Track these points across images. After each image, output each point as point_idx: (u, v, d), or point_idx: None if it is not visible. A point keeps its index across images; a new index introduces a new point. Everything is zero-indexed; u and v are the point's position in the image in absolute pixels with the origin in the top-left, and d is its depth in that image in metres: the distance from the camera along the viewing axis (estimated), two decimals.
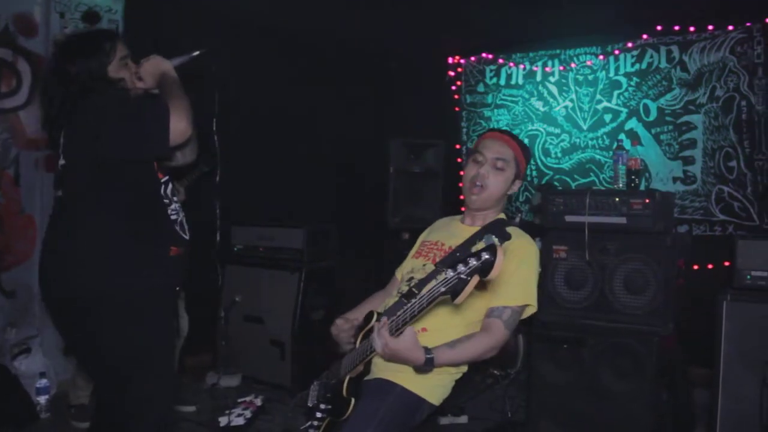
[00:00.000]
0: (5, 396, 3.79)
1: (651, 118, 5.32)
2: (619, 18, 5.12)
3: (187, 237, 2.49)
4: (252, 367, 4.77)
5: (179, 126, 2.26)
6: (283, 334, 4.63)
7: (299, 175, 5.70)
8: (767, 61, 4.78)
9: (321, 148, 5.83)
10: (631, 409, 3.23)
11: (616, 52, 5.47)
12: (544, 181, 5.82)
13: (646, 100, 5.34)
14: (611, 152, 5.33)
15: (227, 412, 3.89)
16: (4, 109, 4.09)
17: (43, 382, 3.95)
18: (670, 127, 5.23)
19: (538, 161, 5.91)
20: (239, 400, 4.04)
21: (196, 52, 2.63)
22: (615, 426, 3.27)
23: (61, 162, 2.37)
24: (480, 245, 2.29)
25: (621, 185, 3.61)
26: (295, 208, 5.49)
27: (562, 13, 5.04)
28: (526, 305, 2.30)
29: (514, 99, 6.05)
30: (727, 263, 3.60)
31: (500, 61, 6.12)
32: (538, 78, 5.91)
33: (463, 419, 4.10)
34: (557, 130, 5.83)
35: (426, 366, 2.06)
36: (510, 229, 2.38)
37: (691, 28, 5.10)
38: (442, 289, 1.87)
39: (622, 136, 5.29)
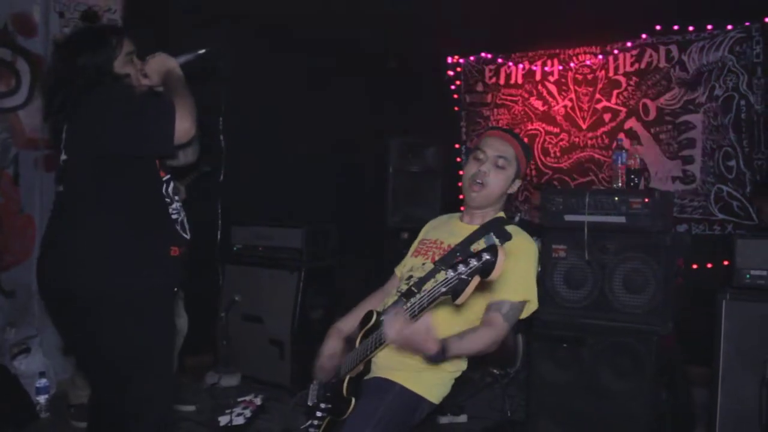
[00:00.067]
0: (5, 396, 3.79)
1: (650, 118, 5.33)
2: (618, 17, 5.12)
3: (187, 237, 2.48)
4: (251, 367, 4.77)
5: (183, 125, 2.24)
6: (283, 334, 4.64)
7: (298, 174, 5.70)
8: (766, 60, 4.79)
9: (320, 148, 5.82)
10: (631, 408, 3.23)
11: (616, 51, 5.47)
12: (543, 181, 5.82)
13: (645, 100, 5.35)
14: (610, 151, 5.34)
15: (227, 411, 3.89)
16: (3, 108, 4.09)
17: (42, 381, 3.95)
18: (669, 127, 5.23)
19: (538, 160, 5.91)
20: (239, 400, 4.04)
21: (202, 50, 2.61)
22: (614, 425, 3.27)
23: (63, 157, 2.35)
24: (481, 245, 2.29)
25: (620, 184, 3.61)
26: (295, 207, 5.48)
27: (561, 12, 5.04)
28: (526, 301, 2.30)
29: (513, 98, 6.05)
30: (726, 262, 3.60)
31: (499, 60, 6.12)
32: (538, 77, 5.91)
33: (463, 418, 4.10)
34: (556, 130, 5.83)
35: (437, 356, 2.02)
36: (510, 228, 2.38)
37: (690, 28, 5.11)
38: (443, 290, 1.86)
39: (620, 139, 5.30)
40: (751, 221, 4.81)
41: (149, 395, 2.32)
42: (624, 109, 5.46)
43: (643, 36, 5.31)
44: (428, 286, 1.96)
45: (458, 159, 6.15)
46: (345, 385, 2.27)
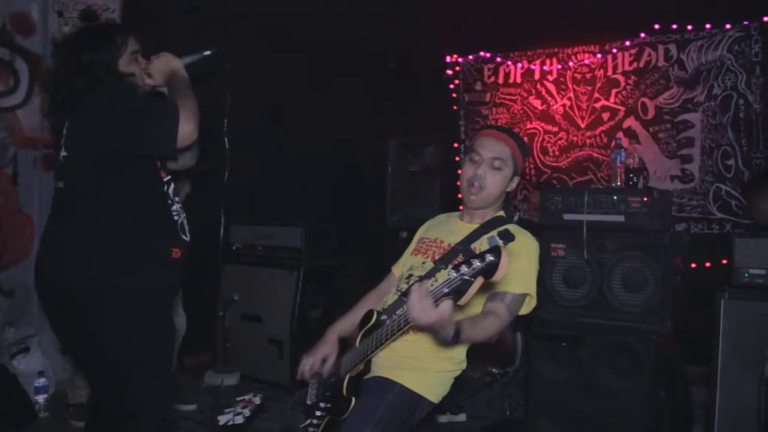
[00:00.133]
0: (4, 395, 3.78)
1: (649, 117, 5.33)
2: (617, 16, 5.12)
3: (187, 239, 2.47)
4: (250, 366, 4.77)
5: (187, 128, 2.22)
6: (282, 333, 4.64)
7: (297, 173, 5.70)
8: (765, 59, 4.79)
9: (319, 147, 5.82)
10: (630, 407, 3.23)
11: (614, 50, 5.48)
12: (542, 180, 5.83)
13: (643, 99, 5.35)
14: (609, 150, 5.35)
15: (226, 410, 3.89)
16: (1, 107, 4.09)
17: (41, 381, 3.95)
18: (668, 126, 5.24)
19: (537, 160, 5.92)
20: (238, 399, 4.04)
21: (208, 52, 2.60)
22: (613, 424, 3.27)
23: (63, 153, 2.34)
24: (483, 244, 2.29)
25: (619, 183, 3.61)
26: (294, 206, 5.49)
27: (560, 11, 5.04)
28: (526, 294, 2.29)
29: (512, 97, 6.05)
30: (724, 261, 3.60)
31: (498, 59, 6.12)
32: (536, 76, 5.91)
33: (462, 417, 4.11)
34: (555, 129, 5.83)
35: (453, 339, 1.98)
36: (512, 228, 2.37)
37: (689, 27, 5.11)
38: (446, 290, 1.83)
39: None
40: (749, 220, 4.81)
41: (149, 395, 2.31)
42: (623, 108, 5.46)
43: (642, 35, 5.32)
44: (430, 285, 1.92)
45: (457, 158, 6.16)
46: (345, 384, 2.27)
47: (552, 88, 5.83)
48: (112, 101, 2.25)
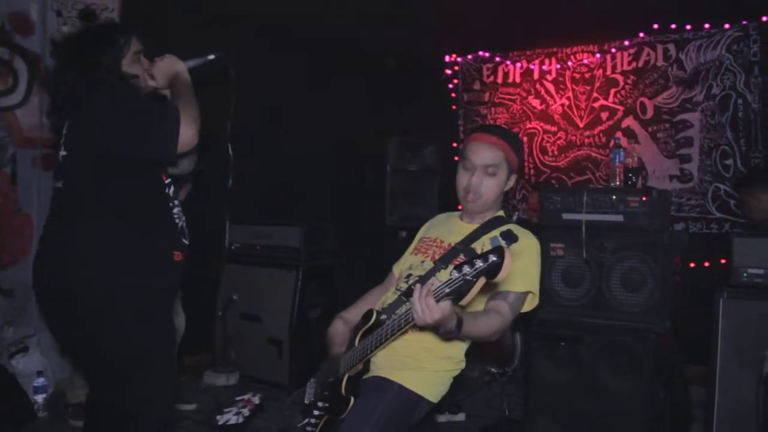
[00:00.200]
0: (3, 395, 3.78)
1: (647, 116, 5.33)
2: (615, 16, 5.12)
3: (186, 242, 2.46)
4: (249, 366, 4.77)
5: (187, 133, 2.21)
6: (281, 333, 4.63)
7: (296, 173, 5.70)
8: (763, 59, 4.79)
9: (319, 147, 5.82)
10: (629, 407, 3.24)
11: (613, 50, 5.48)
12: (541, 180, 5.83)
13: (642, 98, 5.35)
14: (607, 150, 5.35)
15: (225, 410, 3.89)
16: (0, 107, 4.08)
17: (40, 380, 3.95)
18: (667, 125, 5.24)
19: (536, 159, 5.92)
20: (237, 399, 4.04)
21: (212, 56, 2.58)
22: (612, 424, 3.28)
23: (63, 153, 2.33)
24: (485, 244, 2.29)
25: (618, 183, 3.62)
26: (293, 206, 5.49)
27: (559, 11, 5.05)
28: (529, 292, 2.29)
29: (511, 97, 6.05)
30: (723, 261, 3.60)
31: (497, 59, 6.12)
32: (536, 76, 5.91)
33: (461, 417, 4.11)
34: (554, 128, 5.83)
35: (454, 332, 1.99)
36: (514, 229, 2.37)
37: (688, 27, 5.11)
38: (447, 290, 1.83)
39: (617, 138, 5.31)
40: (744, 219, 4.82)
41: (149, 395, 2.31)
42: (621, 108, 5.46)
43: (641, 35, 5.32)
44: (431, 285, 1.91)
45: (456, 158, 6.11)
46: (344, 384, 2.27)
47: (551, 87, 5.84)
48: (114, 102, 2.24)
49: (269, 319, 4.72)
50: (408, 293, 2.30)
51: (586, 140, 5.66)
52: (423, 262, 2.43)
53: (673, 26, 5.16)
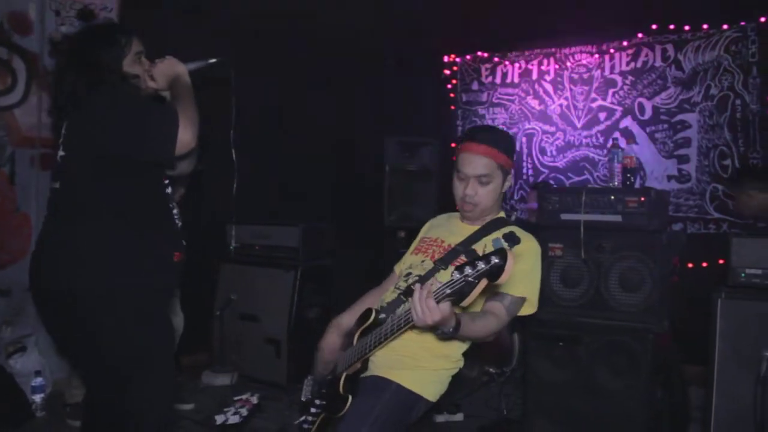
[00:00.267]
0: (1, 395, 3.78)
1: (646, 117, 5.34)
2: (614, 17, 5.13)
3: (184, 244, 2.46)
4: (248, 366, 4.77)
5: (185, 137, 2.21)
6: (279, 333, 4.63)
7: (295, 173, 5.70)
8: (762, 60, 4.80)
9: (317, 147, 5.82)
10: (627, 407, 3.23)
11: (612, 50, 5.48)
12: (539, 179, 5.84)
13: (641, 99, 5.36)
14: (605, 150, 5.36)
15: (224, 410, 3.89)
16: None
17: (38, 380, 3.95)
18: (665, 126, 5.24)
19: (535, 160, 5.92)
20: (235, 399, 4.04)
21: (213, 60, 2.58)
22: (610, 424, 3.28)
23: (61, 153, 2.32)
24: (487, 246, 2.29)
25: (616, 183, 3.62)
26: (291, 206, 5.48)
27: (558, 11, 5.05)
28: (524, 297, 2.29)
29: (510, 97, 6.06)
30: (721, 261, 3.60)
31: (496, 59, 6.12)
32: (534, 76, 5.92)
33: (459, 417, 4.11)
34: (552, 129, 5.84)
35: (453, 332, 1.99)
36: (517, 231, 2.37)
37: (686, 27, 5.12)
38: (448, 292, 1.82)
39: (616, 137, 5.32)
40: (746, 220, 4.82)
41: (150, 395, 2.31)
42: (620, 108, 5.47)
43: (639, 35, 5.32)
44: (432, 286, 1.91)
45: (454, 158, 6.13)
46: (341, 382, 2.27)
47: (549, 87, 5.84)
48: (114, 102, 2.23)
49: (267, 319, 4.72)
50: (407, 292, 2.30)
51: (584, 140, 5.67)
52: (423, 261, 2.43)
53: (672, 27, 5.17)
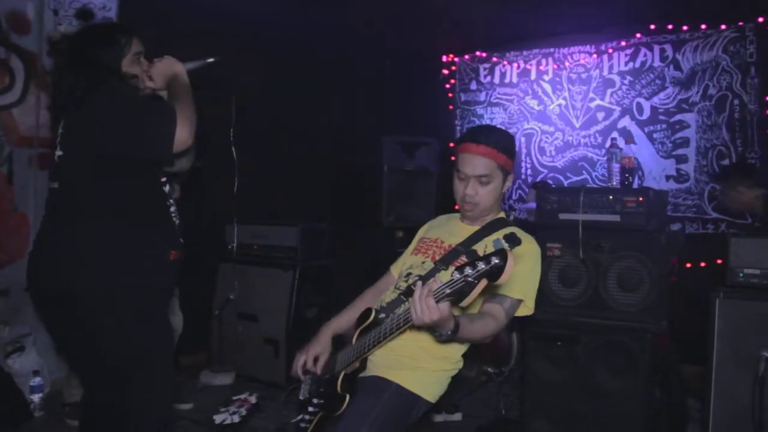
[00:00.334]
0: None
1: (644, 117, 5.34)
2: (612, 17, 5.13)
3: (181, 242, 2.46)
4: (246, 365, 4.77)
5: (181, 135, 2.21)
6: (278, 332, 4.64)
7: (293, 173, 5.69)
8: (760, 60, 4.81)
9: (315, 147, 5.82)
10: (625, 407, 3.24)
11: (610, 50, 5.49)
12: (538, 179, 5.84)
13: (639, 99, 5.36)
14: (603, 150, 5.36)
15: (222, 410, 3.89)
16: None
17: (36, 380, 3.94)
18: (664, 126, 5.25)
19: (534, 160, 5.93)
20: (234, 398, 4.04)
21: (211, 59, 2.57)
22: (608, 423, 3.28)
23: (58, 153, 2.32)
24: (488, 246, 2.29)
25: (615, 183, 3.62)
26: (289, 206, 5.48)
27: (556, 11, 5.05)
28: (522, 300, 2.30)
29: (508, 97, 6.06)
30: (719, 261, 3.61)
31: (494, 59, 6.13)
32: (533, 76, 5.92)
33: (457, 417, 4.11)
34: (551, 129, 5.84)
35: (452, 335, 1.99)
36: (517, 232, 2.37)
37: (685, 27, 5.13)
38: (448, 291, 1.82)
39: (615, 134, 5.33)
40: (744, 220, 4.83)
41: (150, 395, 2.30)
42: (618, 108, 5.47)
43: (638, 35, 5.34)
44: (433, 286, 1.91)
45: (452, 158, 6.12)
46: (339, 381, 2.27)
47: (548, 87, 5.85)
48: (113, 102, 2.23)
49: (266, 319, 4.72)
50: (407, 293, 2.30)
51: (583, 140, 5.67)
52: (423, 262, 2.43)
53: (670, 27, 5.18)
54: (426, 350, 2.29)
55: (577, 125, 5.69)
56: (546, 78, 5.85)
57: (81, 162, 2.26)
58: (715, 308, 3.12)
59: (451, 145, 6.26)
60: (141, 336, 2.26)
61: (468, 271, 1.78)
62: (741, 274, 3.15)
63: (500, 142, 2.42)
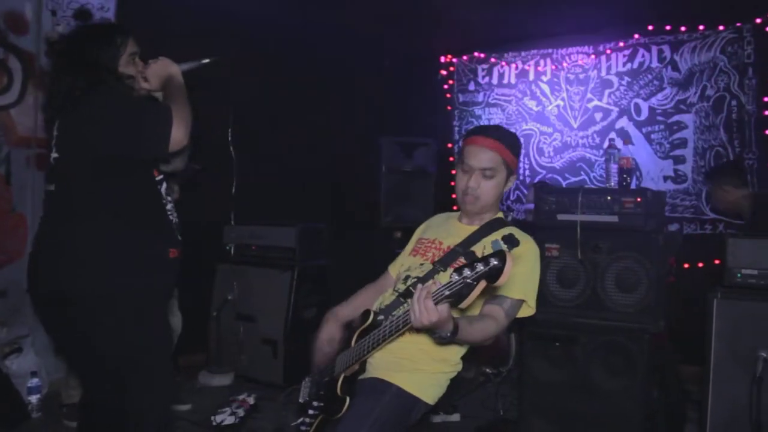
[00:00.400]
0: None
1: (642, 118, 5.35)
2: (610, 17, 5.14)
3: (180, 239, 2.46)
4: (244, 366, 4.76)
5: (177, 135, 2.22)
6: (276, 333, 4.64)
7: (291, 173, 5.69)
8: (757, 61, 4.82)
9: (313, 147, 5.82)
10: (623, 407, 3.24)
11: (608, 51, 5.50)
12: (536, 180, 5.84)
13: (637, 100, 5.37)
14: (601, 151, 5.37)
15: (220, 410, 3.89)
16: None
17: (34, 381, 3.94)
18: (661, 127, 5.26)
19: (533, 160, 5.93)
20: (232, 399, 4.04)
21: (206, 60, 2.57)
22: (606, 424, 3.28)
23: (54, 155, 2.32)
24: (487, 247, 2.29)
25: (613, 184, 3.63)
26: (287, 206, 5.48)
27: (554, 12, 5.06)
28: (523, 300, 2.30)
29: (507, 98, 6.07)
30: (717, 261, 3.62)
31: (492, 60, 6.13)
32: (531, 77, 5.93)
33: (456, 417, 4.11)
34: (550, 129, 5.85)
35: (450, 337, 1.98)
36: (515, 232, 2.37)
37: (683, 28, 5.14)
38: (447, 293, 1.81)
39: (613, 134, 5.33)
40: (741, 221, 4.84)
41: (149, 395, 2.31)
42: (616, 109, 5.48)
43: (636, 36, 5.34)
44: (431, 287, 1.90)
45: (451, 158, 6.16)
46: (339, 384, 2.27)
47: (546, 88, 5.85)
48: (110, 102, 2.24)
49: (264, 320, 4.72)
50: (406, 295, 2.30)
51: (581, 141, 5.68)
52: (422, 264, 2.42)
53: (668, 27, 5.19)
54: (425, 352, 2.29)
55: (575, 126, 5.70)
56: (544, 79, 5.85)
57: (78, 163, 2.26)
58: (713, 309, 3.13)
59: (450, 145, 6.28)
60: (140, 336, 2.26)
61: (466, 272, 1.78)
62: (739, 275, 3.15)
63: (508, 139, 2.43)
